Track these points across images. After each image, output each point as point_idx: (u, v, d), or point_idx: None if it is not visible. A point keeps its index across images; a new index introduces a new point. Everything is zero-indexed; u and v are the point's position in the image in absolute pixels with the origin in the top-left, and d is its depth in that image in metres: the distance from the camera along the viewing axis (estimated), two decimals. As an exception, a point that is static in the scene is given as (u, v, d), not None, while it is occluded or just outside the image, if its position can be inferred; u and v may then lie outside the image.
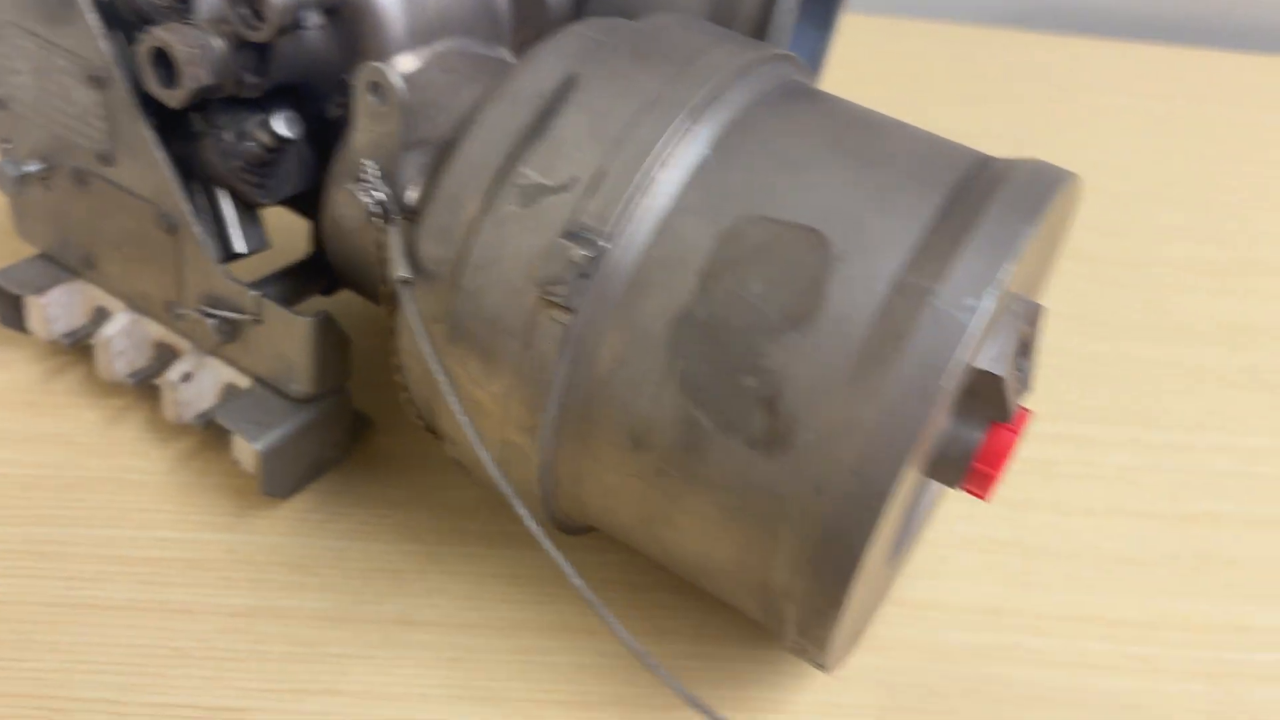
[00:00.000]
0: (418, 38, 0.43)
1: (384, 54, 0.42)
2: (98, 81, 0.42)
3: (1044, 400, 0.56)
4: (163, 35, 0.39)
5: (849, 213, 0.34)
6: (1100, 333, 0.63)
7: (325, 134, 0.44)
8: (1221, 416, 0.58)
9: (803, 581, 0.34)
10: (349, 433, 0.48)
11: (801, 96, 0.39)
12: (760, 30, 0.50)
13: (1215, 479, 0.54)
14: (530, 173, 0.36)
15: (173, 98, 0.40)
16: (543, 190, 0.35)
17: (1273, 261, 0.70)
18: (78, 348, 0.50)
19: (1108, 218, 0.72)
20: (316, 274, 0.48)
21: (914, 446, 0.31)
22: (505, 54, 0.47)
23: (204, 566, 0.44)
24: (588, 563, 0.46)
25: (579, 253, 0.34)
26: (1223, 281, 0.68)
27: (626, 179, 0.35)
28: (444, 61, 0.44)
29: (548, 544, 0.34)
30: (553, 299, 0.34)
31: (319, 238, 0.47)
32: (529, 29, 0.47)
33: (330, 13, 0.42)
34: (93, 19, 0.41)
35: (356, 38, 0.42)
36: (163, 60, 0.40)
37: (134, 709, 0.39)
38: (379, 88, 0.37)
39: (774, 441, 0.33)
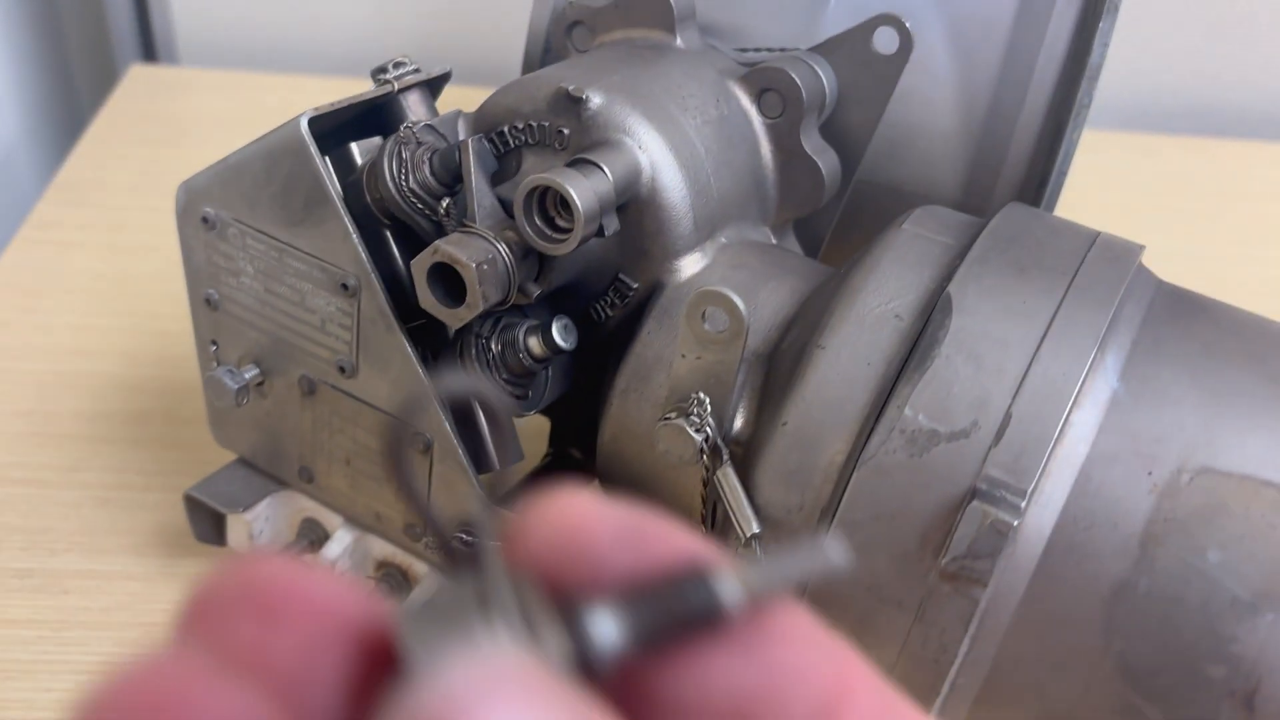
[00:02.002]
0: (702, 231, 0.38)
1: (670, 253, 0.38)
2: (346, 290, 0.37)
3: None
4: (450, 250, 0.34)
5: (1308, 461, 0.29)
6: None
7: (586, 333, 0.39)
8: None
9: None
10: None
11: (1185, 304, 0.34)
12: (1033, 187, 0.46)
13: None
14: (917, 416, 0.31)
15: (455, 317, 0.35)
16: (935, 437, 0.30)
17: None
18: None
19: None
20: (559, 476, 0.43)
21: None
22: (769, 235, 0.43)
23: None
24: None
25: (997, 516, 0.29)
26: None
27: (1040, 423, 0.30)
28: (729, 256, 0.39)
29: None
30: (964, 573, 0.29)
31: (569, 444, 0.42)
32: (794, 205, 0.42)
33: (618, 210, 0.37)
34: (349, 224, 0.37)
35: (639, 236, 0.37)
36: (444, 275, 0.35)
37: None
38: (715, 314, 0.32)
39: (1254, 745, 0.28)
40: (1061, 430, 0.30)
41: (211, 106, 0.78)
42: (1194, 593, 0.28)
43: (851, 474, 0.31)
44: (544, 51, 0.47)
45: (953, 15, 0.46)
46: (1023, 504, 0.29)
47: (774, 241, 0.43)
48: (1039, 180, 0.45)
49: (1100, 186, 0.76)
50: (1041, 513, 0.30)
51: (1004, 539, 0.29)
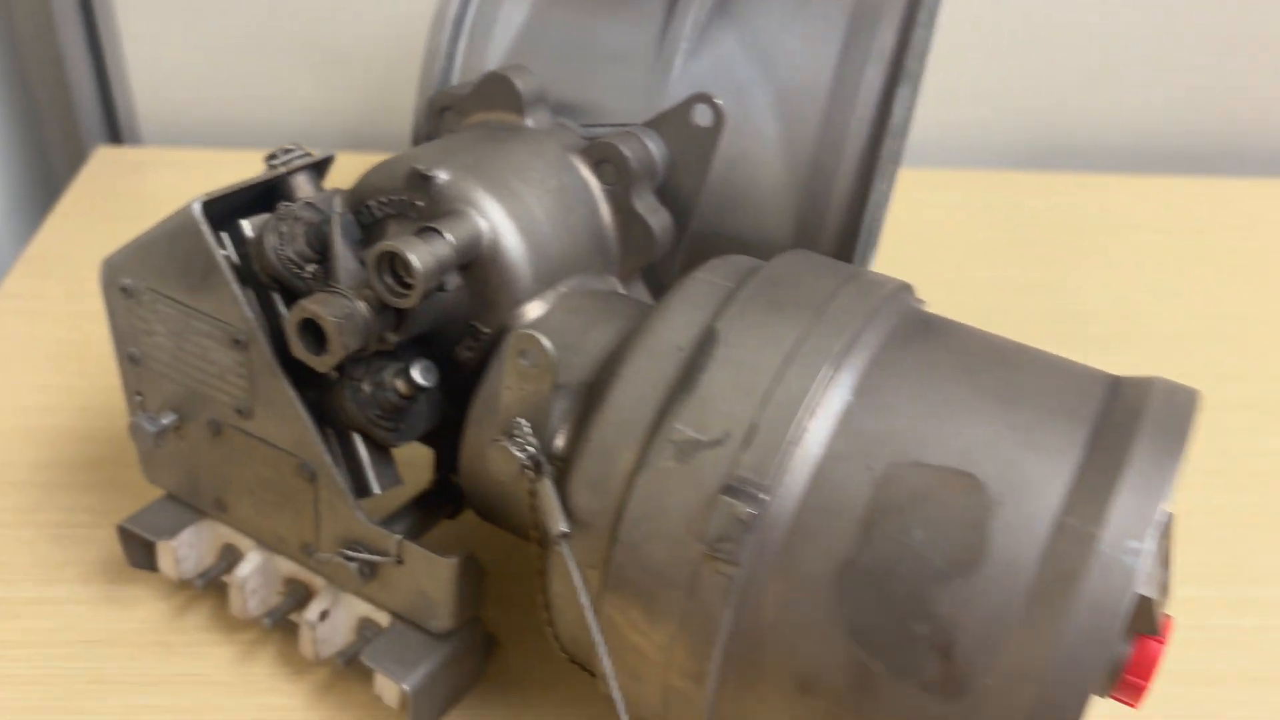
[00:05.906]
0: (542, 282, 0.45)
1: (513, 302, 0.44)
2: (239, 344, 0.44)
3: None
4: (312, 307, 0.41)
5: (999, 454, 0.36)
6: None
7: (453, 373, 0.46)
8: (1317, 568, 0.59)
9: (987, 823, 0.34)
10: (483, 657, 0.49)
11: (927, 329, 0.41)
12: (851, 233, 0.52)
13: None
14: (684, 428, 0.37)
15: (322, 363, 0.42)
16: (697, 445, 0.37)
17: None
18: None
19: (1160, 362, 0.73)
20: (442, 500, 0.49)
21: (1092, 686, 0.32)
22: (615, 284, 0.49)
23: (354, 809, 0.45)
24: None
25: (741, 508, 0.35)
26: (1291, 422, 0.69)
27: (779, 431, 0.36)
28: (567, 303, 0.46)
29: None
30: (718, 555, 0.36)
31: (449, 470, 0.49)
32: (634, 257, 0.49)
33: (463, 268, 0.44)
34: (236, 290, 0.44)
35: (486, 289, 0.44)
36: (312, 329, 0.41)
37: None
38: (529, 352, 0.39)
39: (950, 687, 0.34)
40: (798, 436, 0.36)
41: (171, 183, 0.86)
42: (903, 565, 0.35)
43: (636, 480, 0.37)
44: (426, 136, 0.55)
45: (779, 87, 0.53)
46: (765, 496, 0.36)
47: (621, 290, 0.50)
48: (856, 227, 0.52)
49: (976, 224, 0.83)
50: (783, 504, 0.36)
51: (747, 525, 0.35)
